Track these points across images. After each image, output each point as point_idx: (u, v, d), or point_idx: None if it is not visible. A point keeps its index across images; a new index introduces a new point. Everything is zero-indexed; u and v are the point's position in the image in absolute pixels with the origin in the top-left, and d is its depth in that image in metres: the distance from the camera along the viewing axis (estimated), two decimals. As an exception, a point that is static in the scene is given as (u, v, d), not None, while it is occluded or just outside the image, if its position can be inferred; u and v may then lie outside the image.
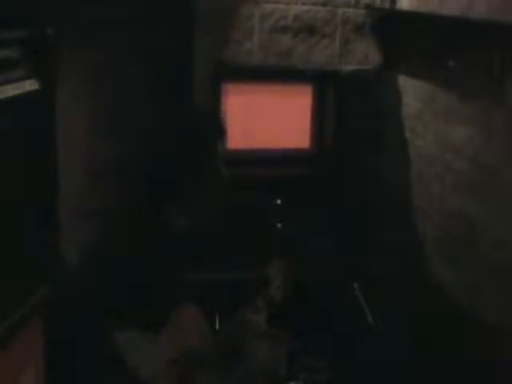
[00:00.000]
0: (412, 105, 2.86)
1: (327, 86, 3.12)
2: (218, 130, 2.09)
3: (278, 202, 2.46)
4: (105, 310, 1.88)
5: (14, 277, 1.61)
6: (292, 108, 3.15)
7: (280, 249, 2.30)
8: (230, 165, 2.43)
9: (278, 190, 2.66)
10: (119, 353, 1.87)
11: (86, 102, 2.44)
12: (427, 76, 2.72)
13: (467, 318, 2.38)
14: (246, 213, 2.85)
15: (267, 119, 3.10)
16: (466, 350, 2.38)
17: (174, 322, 1.94)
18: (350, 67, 3.00)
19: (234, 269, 2.82)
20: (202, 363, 2.01)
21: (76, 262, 2.11)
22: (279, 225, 2.34)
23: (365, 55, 3.01)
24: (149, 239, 1.97)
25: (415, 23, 2.79)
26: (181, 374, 1.95)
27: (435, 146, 2.66)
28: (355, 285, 2.19)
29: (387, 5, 2.93)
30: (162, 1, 2.62)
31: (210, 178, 2.06)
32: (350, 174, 3.04)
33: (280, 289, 2.20)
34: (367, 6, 2.96)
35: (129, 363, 1.86)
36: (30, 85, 1.62)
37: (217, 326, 2.34)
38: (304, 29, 2.90)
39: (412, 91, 2.86)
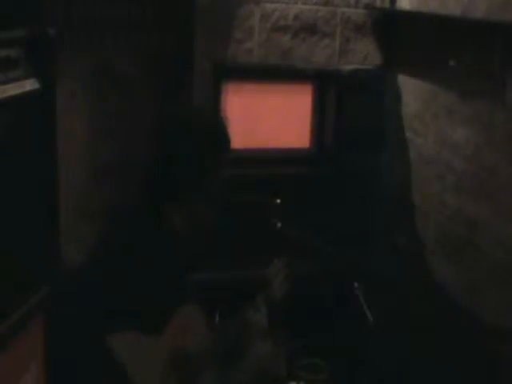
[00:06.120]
0: (412, 104, 2.86)
1: (327, 86, 3.12)
2: (218, 129, 2.08)
3: (278, 201, 2.45)
4: (105, 310, 1.88)
5: (14, 277, 1.61)
6: (292, 107, 3.14)
7: (280, 249, 2.29)
8: (230, 164, 2.42)
9: (278, 190, 2.65)
10: (119, 353, 1.86)
11: (85, 102, 2.44)
12: (427, 75, 2.72)
13: (467, 318, 2.38)
14: (246, 212, 2.85)
15: (267, 119, 3.10)
16: (466, 349, 2.38)
17: (174, 322, 1.93)
18: (350, 67, 3.00)
19: (234, 269, 2.82)
20: (202, 363, 2.01)
21: (76, 262, 2.11)
22: (279, 224, 2.33)
23: (365, 55, 3.01)
24: (149, 239, 1.97)
25: (415, 23, 2.79)
26: (181, 374, 1.94)
27: (435, 145, 2.66)
28: (355, 285, 2.18)
29: (387, 4, 2.94)
30: (162, 0, 2.62)
31: (210, 177, 2.05)
32: (350, 173, 3.04)
33: (280, 288, 2.19)
34: (367, 6, 2.96)
35: (128, 364, 1.86)
36: (30, 84, 1.62)
37: (217, 326, 2.34)
38: (304, 28, 2.90)
39: (412, 91, 2.86)
